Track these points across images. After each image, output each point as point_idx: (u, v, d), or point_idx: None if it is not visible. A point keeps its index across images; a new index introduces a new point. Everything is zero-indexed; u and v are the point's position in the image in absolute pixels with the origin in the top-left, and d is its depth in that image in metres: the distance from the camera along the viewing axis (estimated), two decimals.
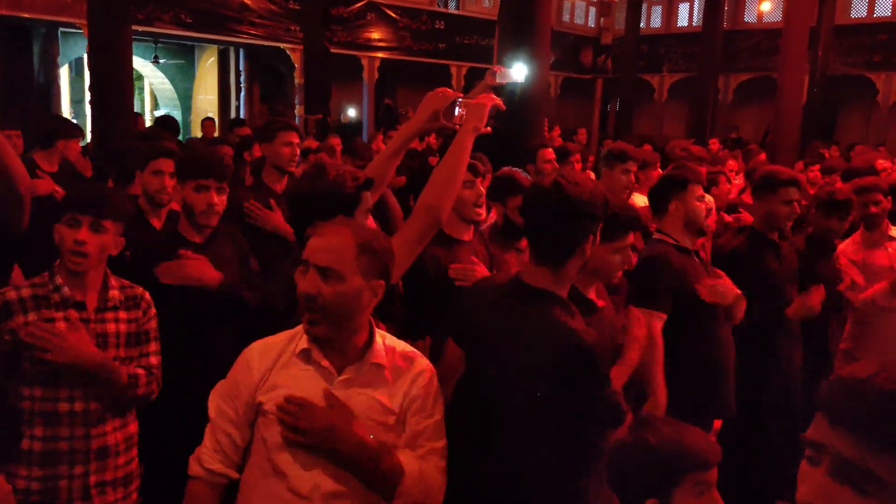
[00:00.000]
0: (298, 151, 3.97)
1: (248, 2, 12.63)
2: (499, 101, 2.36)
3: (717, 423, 3.50)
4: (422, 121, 2.44)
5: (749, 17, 17.31)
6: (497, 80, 5.26)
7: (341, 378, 1.79)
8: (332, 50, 12.50)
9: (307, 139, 8.37)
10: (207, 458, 1.80)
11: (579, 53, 18.78)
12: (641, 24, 17.56)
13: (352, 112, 16.64)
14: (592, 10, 19.36)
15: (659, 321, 2.96)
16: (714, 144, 9.95)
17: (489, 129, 2.32)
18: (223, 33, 12.69)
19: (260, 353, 1.84)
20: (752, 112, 17.19)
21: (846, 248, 4.23)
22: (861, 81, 15.30)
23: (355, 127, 15.70)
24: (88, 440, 2.25)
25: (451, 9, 16.12)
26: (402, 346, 1.92)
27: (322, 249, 1.73)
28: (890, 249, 4.12)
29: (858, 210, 4.14)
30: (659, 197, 3.19)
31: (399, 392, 1.83)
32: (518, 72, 5.04)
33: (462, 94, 2.42)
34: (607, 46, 18.86)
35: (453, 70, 15.75)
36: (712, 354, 3.09)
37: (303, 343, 1.80)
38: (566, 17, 18.69)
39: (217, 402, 1.84)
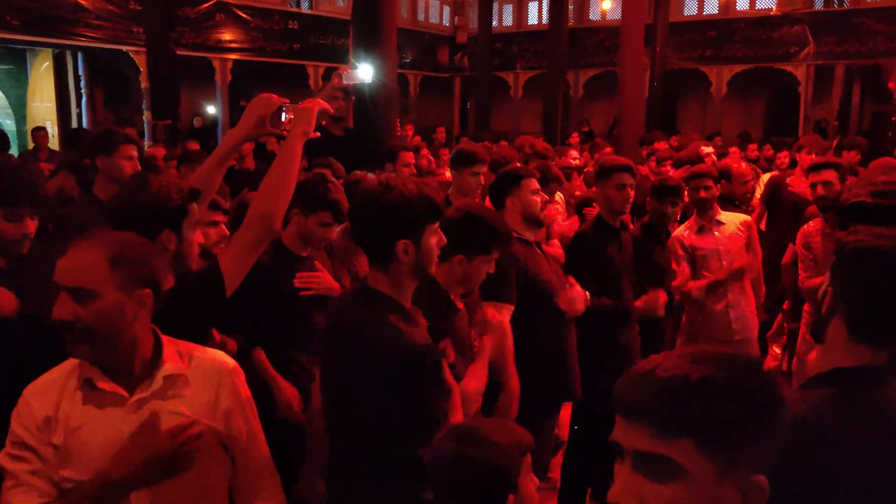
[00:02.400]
0: (139, 166, 3.80)
1: (84, 2, 11.88)
2: (326, 104, 2.34)
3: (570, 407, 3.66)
4: (247, 128, 2.38)
5: (594, 15, 18.17)
6: (344, 82, 5.23)
7: (133, 399, 1.70)
8: (180, 52, 11.98)
9: (157, 146, 8.01)
10: None
11: (436, 52, 19.03)
12: (494, 23, 18.03)
13: (211, 110, 16.06)
14: (447, 9, 19.67)
15: (508, 312, 3.05)
16: (575, 138, 10.39)
17: (318, 133, 2.30)
18: (57, 36, 11.88)
19: (38, 395, 1.70)
20: (601, 106, 18.07)
21: (680, 233, 4.53)
22: (696, 75, 16.43)
23: (211, 131, 15.16)
24: None
25: (305, 9, 15.88)
26: (200, 350, 1.86)
27: (70, 269, 1.62)
28: (717, 234, 4.44)
29: (690, 195, 4.44)
30: (495, 194, 3.28)
31: (202, 400, 1.78)
32: (364, 72, 5.05)
33: (288, 100, 2.38)
34: (463, 45, 19.22)
35: (310, 70, 15.54)
36: (555, 341, 3.21)
37: (85, 372, 1.69)
38: (421, 17, 18.89)
39: (10, 465, 1.67)
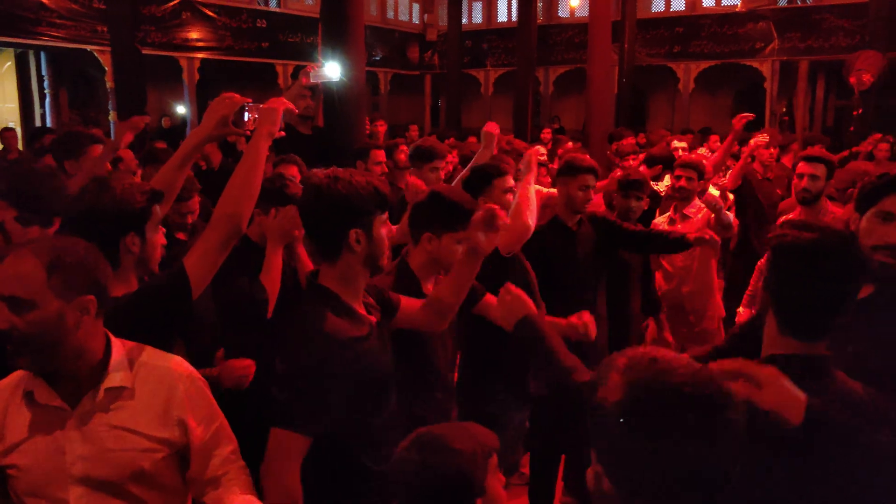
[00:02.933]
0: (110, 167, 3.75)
1: (46, 1, 11.67)
2: (290, 104, 2.33)
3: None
4: (209, 128, 2.36)
5: (562, 12, 18.26)
6: (311, 80, 5.19)
7: (77, 412, 1.65)
8: (146, 51, 11.85)
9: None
10: None
11: (406, 50, 19.00)
12: (464, 21, 18.04)
13: (180, 110, 15.88)
14: (416, 6, 19.64)
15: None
16: (546, 134, 10.44)
17: (283, 132, 2.29)
18: (18, 35, 11.66)
19: None
20: (571, 102, 18.18)
21: (661, 222, 4.67)
22: (664, 71, 16.59)
23: (180, 130, 14.99)
24: None
25: (273, 7, 15.76)
26: (154, 356, 1.80)
27: (5, 278, 1.57)
28: (685, 223, 4.53)
29: (673, 182, 4.58)
30: (467, 192, 3.28)
31: (151, 411, 1.73)
32: (332, 70, 5.02)
33: (250, 100, 2.37)
34: (433, 43, 19.21)
35: (279, 69, 15.43)
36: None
37: (29, 384, 1.65)
38: (390, 14, 18.84)
39: None
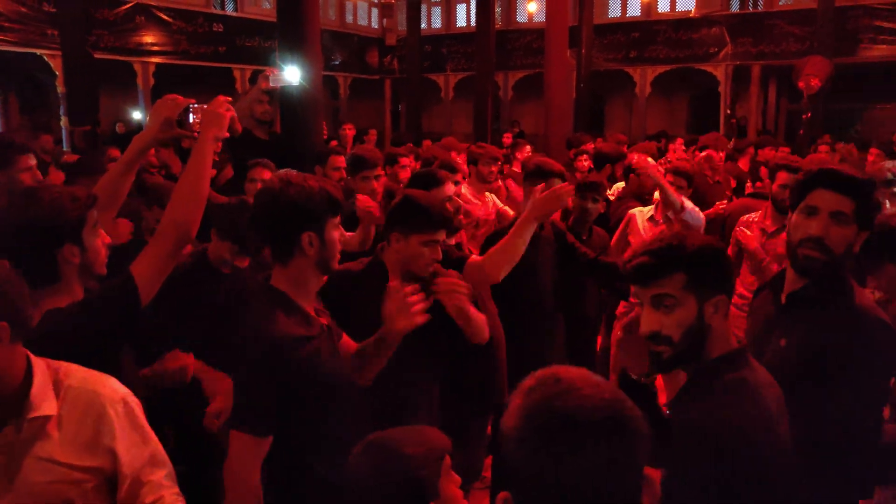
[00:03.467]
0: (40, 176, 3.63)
1: None
2: (233, 110, 2.29)
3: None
4: (154, 130, 2.32)
5: (521, 17, 18.40)
6: (271, 85, 5.12)
7: None
8: (98, 55, 11.63)
9: (67, 153, 7.74)
10: None
11: (365, 54, 18.96)
12: (423, 25, 18.07)
13: (135, 115, 15.59)
14: (375, 11, 19.61)
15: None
16: (508, 139, 10.49)
17: (228, 133, 2.26)
18: None
19: None
20: (531, 107, 18.31)
21: (635, 212, 4.72)
22: (621, 76, 16.82)
23: (134, 136, 14.71)
24: None
25: (230, 11, 15.59)
26: (82, 379, 1.69)
27: None
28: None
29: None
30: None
31: (78, 440, 1.64)
32: (291, 75, 4.99)
33: (195, 101, 2.33)
34: (392, 47, 19.21)
35: (237, 73, 15.28)
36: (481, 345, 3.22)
37: None
38: (349, 19, 18.78)
39: None
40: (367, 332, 2.34)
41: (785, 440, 1.64)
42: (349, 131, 9.46)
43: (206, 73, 14.72)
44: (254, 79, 15.09)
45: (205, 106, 2.27)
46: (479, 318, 2.66)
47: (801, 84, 10.82)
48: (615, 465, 1.08)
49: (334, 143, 8.14)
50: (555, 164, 3.86)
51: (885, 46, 13.78)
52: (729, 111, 15.44)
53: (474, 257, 3.08)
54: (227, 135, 2.28)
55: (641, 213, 4.66)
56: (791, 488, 1.62)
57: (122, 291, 2.00)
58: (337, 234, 2.11)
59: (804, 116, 10.99)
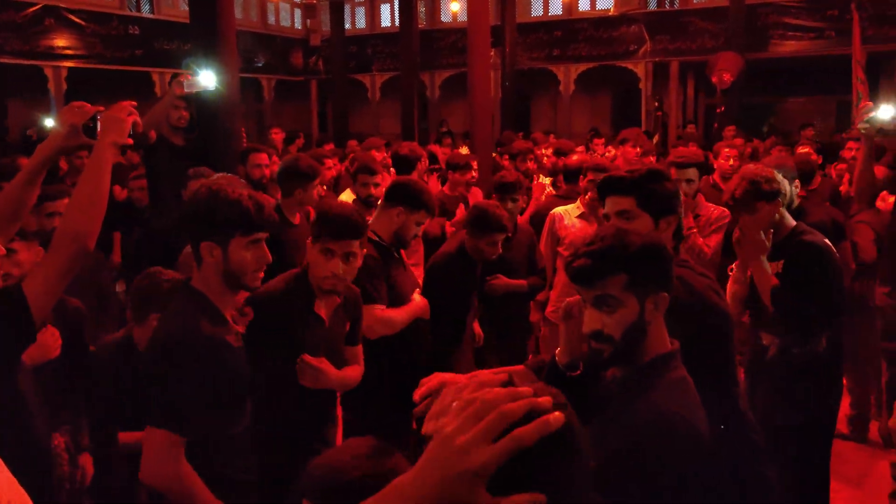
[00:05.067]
0: None
1: None
2: (136, 115, 2.22)
3: None
4: (59, 138, 2.23)
5: (445, 16, 18.44)
6: (185, 90, 4.99)
7: None
8: (4, 60, 11.15)
9: None
10: None
11: (289, 56, 18.70)
12: (347, 25, 17.92)
13: (48, 122, 14.94)
14: (298, 11, 19.35)
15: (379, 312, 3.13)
16: (436, 148, 10.48)
17: (130, 139, 2.19)
18: None
19: None
20: (458, 106, 18.34)
21: (559, 211, 4.71)
22: (545, 74, 17.05)
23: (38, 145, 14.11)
24: None
25: (146, 13, 15.12)
26: None
27: None
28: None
29: (587, 185, 4.60)
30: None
31: None
32: (207, 79, 4.87)
33: (103, 108, 2.25)
34: (317, 48, 18.98)
35: (155, 77, 14.82)
36: (409, 356, 3.24)
37: None
38: (271, 20, 18.48)
39: None
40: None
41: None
42: (277, 135, 9.32)
43: (123, 78, 14.23)
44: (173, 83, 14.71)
45: (107, 113, 2.19)
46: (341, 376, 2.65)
47: (714, 79, 11.19)
48: None
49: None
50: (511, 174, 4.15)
51: (794, 42, 14.37)
52: (657, 104, 15.86)
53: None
54: (130, 141, 2.20)
55: (567, 212, 4.69)
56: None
57: (9, 307, 1.92)
58: (249, 254, 2.09)
59: (718, 110, 11.37)
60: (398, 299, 3.19)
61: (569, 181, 5.09)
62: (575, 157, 5.39)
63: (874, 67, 13.40)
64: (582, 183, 4.68)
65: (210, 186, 2.08)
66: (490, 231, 3.66)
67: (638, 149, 6.32)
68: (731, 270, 3.40)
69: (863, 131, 4.07)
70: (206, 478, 2.03)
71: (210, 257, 2.06)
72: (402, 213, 3.19)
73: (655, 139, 9.65)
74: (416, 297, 3.31)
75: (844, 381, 4.07)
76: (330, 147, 8.61)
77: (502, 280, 4.19)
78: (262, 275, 2.17)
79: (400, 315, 3.15)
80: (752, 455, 2.30)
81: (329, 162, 5.56)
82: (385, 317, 3.08)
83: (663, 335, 1.72)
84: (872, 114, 3.93)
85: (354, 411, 3.19)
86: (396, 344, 3.15)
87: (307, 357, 2.48)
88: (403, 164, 5.09)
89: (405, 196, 3.21)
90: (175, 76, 11.54)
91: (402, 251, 3.39)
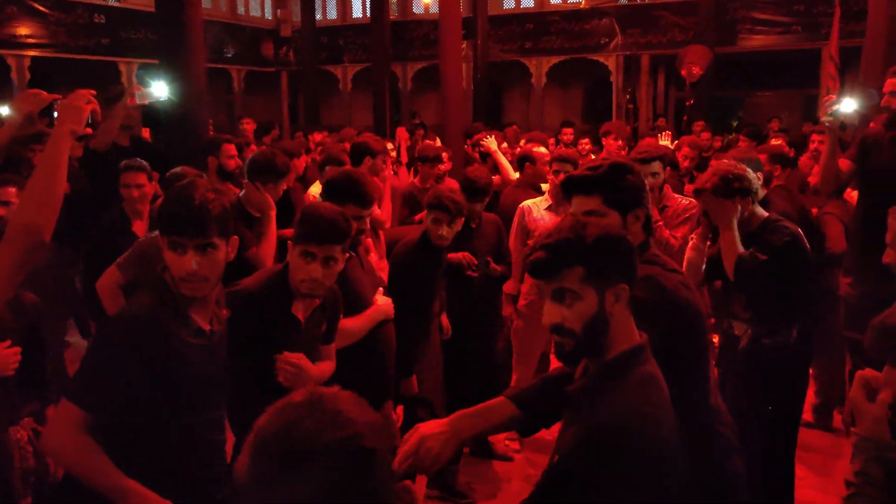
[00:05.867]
0: None
1: None
2: (96, 103, 2.16)
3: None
4: (14, 126, 2.18)
5: (417, 8, 18.35)
6: (137, 102, 4.94)
7: None
8: None
9: None
10: None
11: (260, 47, 18.48)
12: (319, 16, 17.77)
13: (2, 111, 14.63)
14: (268, 1, 19.13)
15: None
16: (401, 132, 10.37)
17: (89, 129, 2.13)
18: None
19: None
20: (430, 98, 18.29)
21: (528, 204, 4.72)
22: (517, 66, 17.06)
23: None
24: None
25: (112, 2, 14.83)
26: None
27: None
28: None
29: (552, 178, 4.65)
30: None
31: None
32: (159, 90, 4.80)
33: (60, 96, 2.19)
34: (288, 39, 18.78)
35: (122, 68, 14.57)
36: (372, 341, 3.20)
37: None
38: (241, 10, 18.25)
39: None
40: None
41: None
42: (248, 126, 9.18)
43: (89, 68, 13.96)
44: (142, 73, 14.47)
45: (64, 101, 2.13)
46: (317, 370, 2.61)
47: (683, 72, 11.27)
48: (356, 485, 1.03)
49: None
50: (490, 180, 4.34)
51: (762, 37, 14.53)
52: (628, 97, 15.95)
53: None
54: (89, 131, 2.15)
55: (536, 205, 4.69)
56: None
57: None
58: (177, 259, 2.00)
59: (687, 103, 11.46)
60: (356, 302, 3.05)
61: (522, 167, 5.23)
62: (540, 148, 5.37)
63: (841, 62, 13.63)
64: (548, 175, 4.70)
65: (180, 186, 2.08)
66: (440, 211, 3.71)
67: (620, 141, 6.35)
68: (692, 239, 3.49)
69: (826, 124, 4.13)
70: (156, 471, 2.00)
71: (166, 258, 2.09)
72: None
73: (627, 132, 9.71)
74: (380, 297, 3.18)
75: (811, 371, 4.14)
76: (299, 139, 8.51)
77: (459, 255, 4.18)
78: (192, 285, 2.02)
79: (358, 323, 3.01)
80: (721, 451, 2.32)
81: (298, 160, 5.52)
82: (341, 328, 2.90)
83: (630, 328, 1.70)
84: (836, 107, 4.00)
85: None
86: (359, 351, 3.05)
87: (287, 354, 2.42)
88: (355, 155, 4.97)
89: (329, 191, 3.06)
90: (144, 66, 11.25)
91: (360, 249, 3.26)
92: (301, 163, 6.33)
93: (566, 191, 2.26)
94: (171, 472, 2.04)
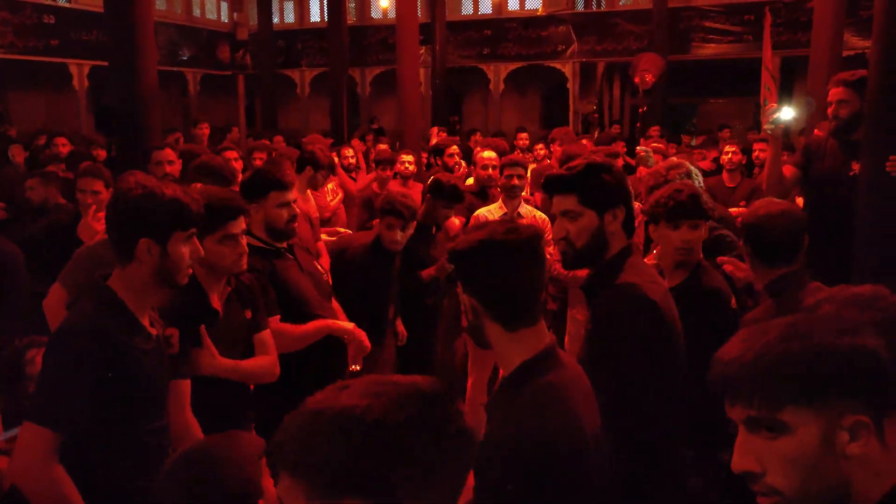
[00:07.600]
0: None
1: None
2: None
3: None
4: None
5: (375, 13, 18.33)
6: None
7: None
8: None
9: None
10: None
11: (216, 49, 18.24)
12: (276, 20, 17.62)
13: None
14: (224, 4, 18.91)
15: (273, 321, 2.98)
16: (357, 142, 10.33)
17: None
18: None
19: None
20: (389, 103, 18.23)
21: (482, 213, 4.72)
22: (476, 72, 17.16)
23: None
24: None
25: (62, 2, 14.50)
26: None
27: None
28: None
29: (504, 182, 4.71)
30: (244, 193, 3.12)
31: None
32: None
33: None
34: (244, 42, 18.56)
35: (73, 69, 14.24)
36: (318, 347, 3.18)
37: None
38: (197, 12, 18.00)
39: None
40: None
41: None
42: (204, 130, 9.06)
43: (39, 69, 13.64)
44: (93, 75, 14.18)
45: None
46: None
47: (636, 79, 11.46)
48: None
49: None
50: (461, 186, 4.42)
51: (714, 45, 14.87)
52: (595, 107, 16.15)
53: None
54: None
55: (490, 212, 4.71)
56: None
57: None
58: (188, 249, 2.10)
59: (640, 110, 11.65)
60: (298, 303, 3.01)
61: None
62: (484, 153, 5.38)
63: (789, 71, 14.00)
64: (500, 179, 4.73)
65: (144, 185, 2.06)
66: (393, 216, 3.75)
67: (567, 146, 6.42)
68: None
69: (769, 132, 4.25)
70: (114, 482, 1.99)
71: (147, 255, 2.04)
72: (256, 207, 3.01)
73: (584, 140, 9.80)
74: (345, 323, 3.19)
75: None
76: (264, 142, 8.41)
77: (426, 271, 4.18)
78: (191, 271, 2.17)
79: (299, 331, 2.97)
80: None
81: (230, 154, 5.45)
82: (277, 329, 2.84)
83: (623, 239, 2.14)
84: (776, 115, 4.11)
85: (270, 415, 3.09)
86: (307, 356, 3.03)
87: (196, 349, 2.43)
88: (300, 162, 4.93)
89: (246, 189, 3.07)
90: (96, 68, 11.07)
91: (298, 252, 3.24)
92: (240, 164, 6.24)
93: (547, 191, 2.31)
94: (128, 483, 2.02)
